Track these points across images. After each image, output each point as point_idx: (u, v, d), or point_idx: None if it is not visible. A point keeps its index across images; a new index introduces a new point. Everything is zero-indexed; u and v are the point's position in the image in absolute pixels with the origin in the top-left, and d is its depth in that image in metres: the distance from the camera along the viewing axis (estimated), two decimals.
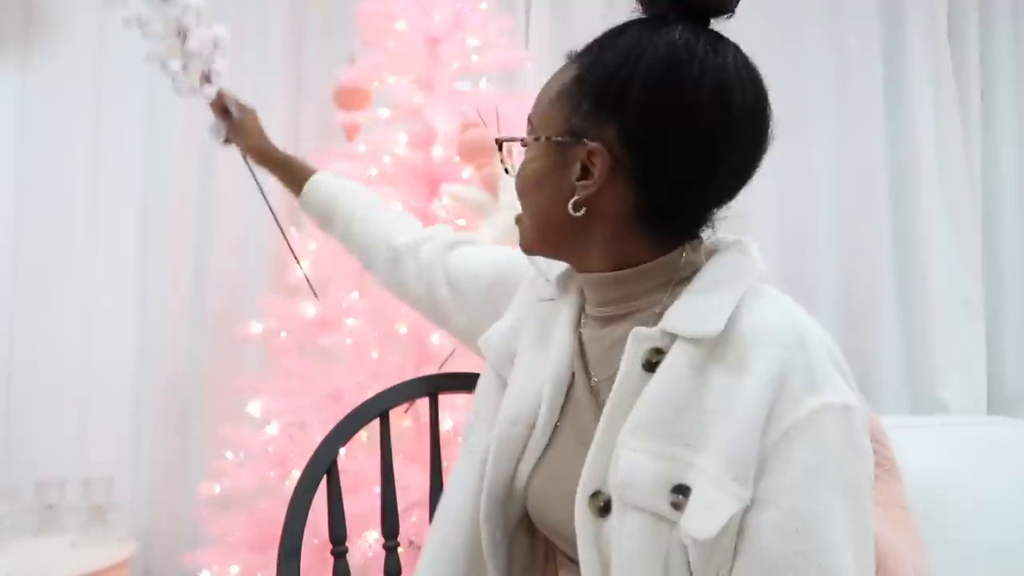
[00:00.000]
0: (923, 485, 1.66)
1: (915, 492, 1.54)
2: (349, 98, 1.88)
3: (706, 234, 0.80)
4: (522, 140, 0.82)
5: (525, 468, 0.83)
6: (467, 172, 1.71)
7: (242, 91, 2.31)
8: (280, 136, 2.26)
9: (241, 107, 1.27)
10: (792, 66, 2.51)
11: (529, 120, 0.82)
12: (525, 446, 0.83)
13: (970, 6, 2.60)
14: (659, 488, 0.68)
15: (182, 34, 1.17)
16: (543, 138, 0.78)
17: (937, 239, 2.50)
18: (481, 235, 1.52)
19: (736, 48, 0.75)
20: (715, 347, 0.71)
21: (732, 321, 0.71)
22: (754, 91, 0.74)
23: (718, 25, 0.76)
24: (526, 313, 0.90)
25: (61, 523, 2.01)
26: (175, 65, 1.18)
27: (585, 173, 0.75)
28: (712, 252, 0.80)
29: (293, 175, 1.19)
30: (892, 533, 1.41)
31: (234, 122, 1.25)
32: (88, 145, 2.24)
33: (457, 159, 1.71)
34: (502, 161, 0.87)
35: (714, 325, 0.70)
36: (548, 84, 0.80)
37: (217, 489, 1.68)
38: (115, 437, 2.20)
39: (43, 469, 2.08)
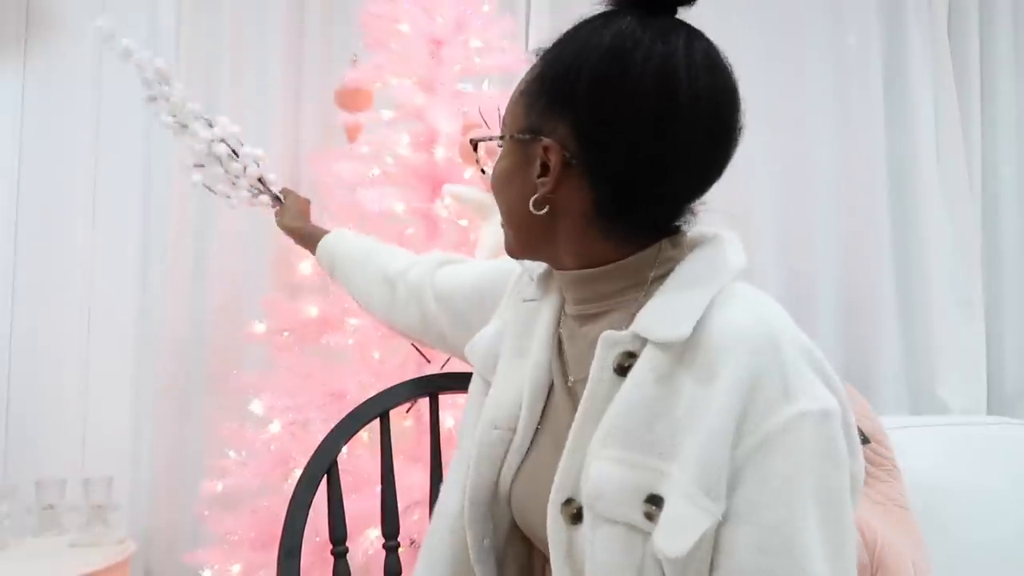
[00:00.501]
0: (923, 484, 1.67)
1: (915, 491, 1.55)
2: (351, 99, 1.88)
3: (689, 228, 0.78)
4: (491, 139, 0.82)
5: (507, 473, 0.82)
6: (469, 173, 1.71)
7: (242, 91, 2.32)
8: (280, 136, 2.29)
9: (290, 194, 1.36)
10: (792, 66, 2.51)
11: (503, 120, 0.82)
12: (507, 451, 0.82)
13: (970, 6, 2.60)
14: (631, 498, 0.66)
15: (223, 160, 1.29)
16: (507, 136, 0.78)
17: (937, 239, 2.50)
18: (481, 235, 1.52)
19: (691, 36, 0.72)
20: (684, 352, 0.68)
21: (701, 324, 0.68)
22: (709, 79, 0.71)
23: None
24: (511, 315, 0.89)
25: (61, 523, 2.01)
26: (222, 188, 1.31)
27: (544, 170, 0.75)
28: (694, 247, 0.77)
29: (313, 242, 1.26)
30: (892, 532, 1.41)
31: (282, 205, 1.34)
32: (88, 145, 2.24)
33: (460, 160, 1.71)
34: (478, 162, 0.87)
35: (682, 329, 0.68)
36: (519, 82, 0.80)
37: (220, 487, 1.68)
38: (115, 437, 2.20)
39: (43, 469, 2.08)
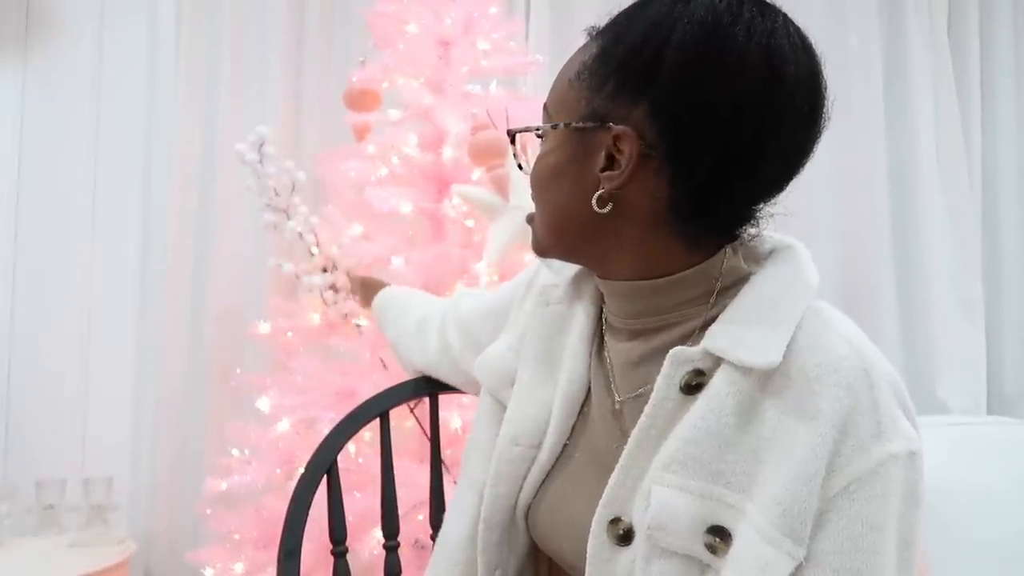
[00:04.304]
0: None
1: None
2: (359, 99, 1.88)
3: (748, 234, 0.71)
4: (537, 129, 0.72)
5: (528, 492, 0.76)
6: (476, 173, 1.71)
7: (242, 91, 2.32)
8: (280, 136, 2.28)
9: (359, 281, 1.49)
10: None
11: (545, 108, 0.72)
12: (529, 468, 0.76)
13: (970, 6, 2.60)
14: (694, 529, 0.62)
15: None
16: (561, 125, 0.68)
17: (937, 239, 2.49)
18: (489, 236, 1.52)
19: (786, 15, 0.66)
20: (768, 379, 0.63)
21: (789, 350, 0.63)
22: (808, 62, 0.64)
23: None
24: (528, 323, 0.82)
25: (61, 523, 2.02)
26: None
27: (611, 163, 0.66)
28: (757, 256, 0.72)
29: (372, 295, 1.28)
30: None
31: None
32: (88, 145, 2.24)
33: (467, 161, 1.70)
34: (515, 156, 0.76)
35: (771, 356, 0.62)
36: (566, 65, 0.70)
37: (224, 486, 1.68)
38: (115, 437, 2.20)
39: (43, 469, 2.08)
